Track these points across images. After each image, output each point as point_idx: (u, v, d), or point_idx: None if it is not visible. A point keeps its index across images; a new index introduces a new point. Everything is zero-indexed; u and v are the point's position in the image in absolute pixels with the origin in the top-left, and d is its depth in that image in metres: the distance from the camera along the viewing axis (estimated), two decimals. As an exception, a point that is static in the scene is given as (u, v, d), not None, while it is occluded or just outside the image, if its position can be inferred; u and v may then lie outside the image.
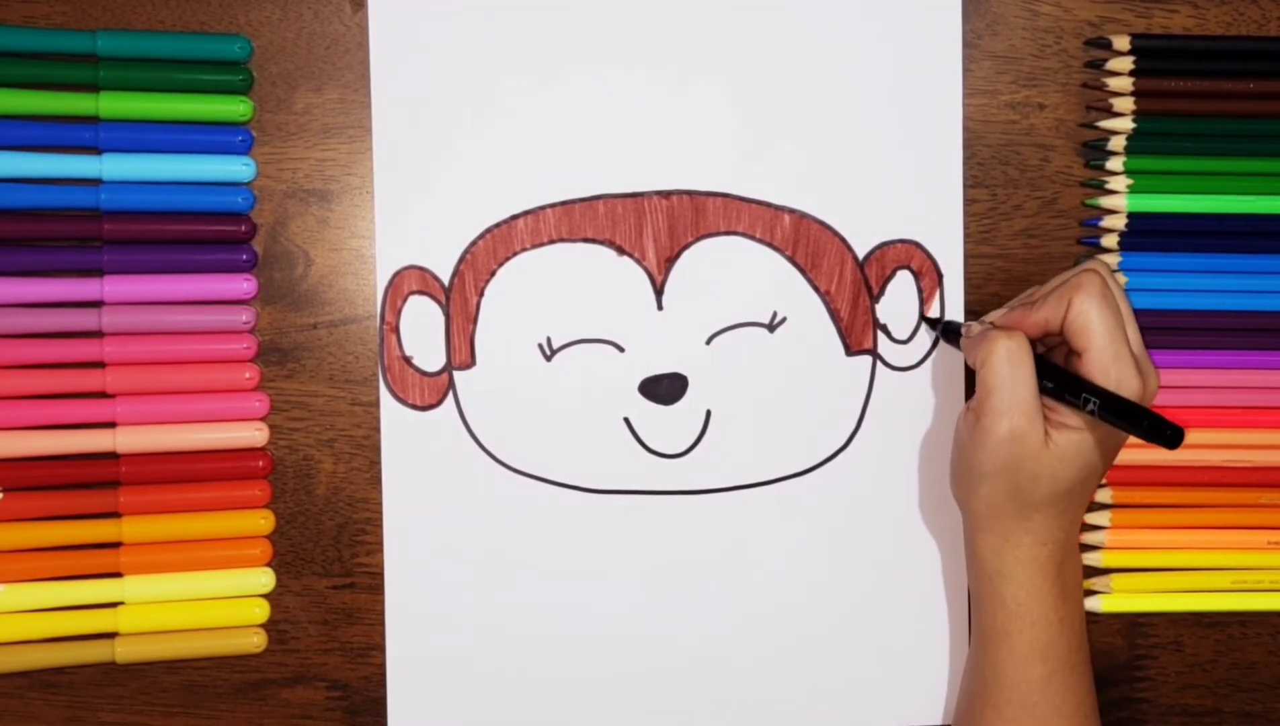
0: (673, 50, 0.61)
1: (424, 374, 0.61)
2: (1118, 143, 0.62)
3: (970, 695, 0.58)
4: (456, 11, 0.61)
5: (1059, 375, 0.54)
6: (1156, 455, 0.63)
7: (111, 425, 0.60)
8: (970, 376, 0.62)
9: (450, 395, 0.61)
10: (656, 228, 0.61)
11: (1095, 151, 0.63)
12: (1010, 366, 0.53)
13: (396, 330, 0.61)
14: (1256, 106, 0.63)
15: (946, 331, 0.61)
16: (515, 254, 0.61)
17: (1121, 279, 0.62)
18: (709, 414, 0.62)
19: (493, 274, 0.61)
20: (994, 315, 0.57)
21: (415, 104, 0.61)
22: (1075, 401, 0.53)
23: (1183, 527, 0.63)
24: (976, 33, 0.63)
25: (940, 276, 0.63)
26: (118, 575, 0.60)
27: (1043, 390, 0.54)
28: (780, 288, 0.62)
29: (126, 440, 0.59)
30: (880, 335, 0.62)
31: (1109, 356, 0.53)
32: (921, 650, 0.63)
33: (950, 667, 0.63)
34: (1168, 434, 0.51)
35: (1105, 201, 0.63)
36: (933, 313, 0.62)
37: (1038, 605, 0.55)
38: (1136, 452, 0.62)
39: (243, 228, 0.60)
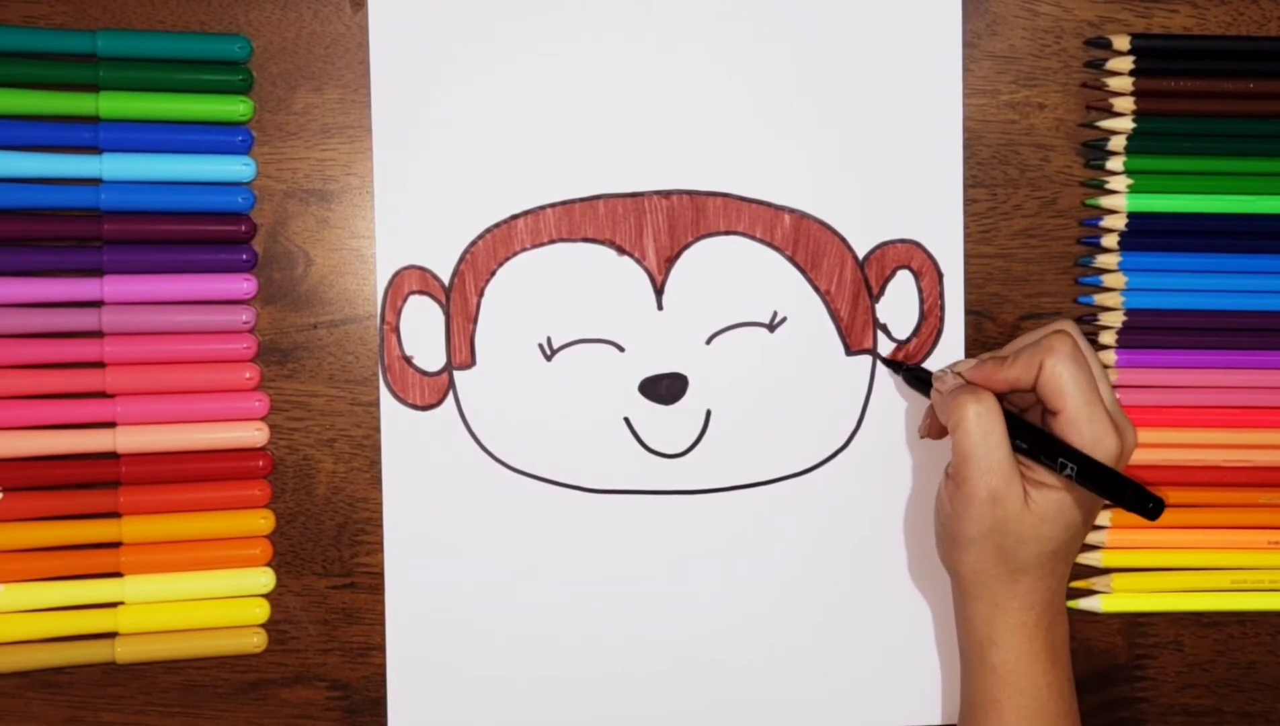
0: (673, 50, 0.61)
1: (424, 374, 0.61)
2: (1118, 143, 0.62)
3: None
4: (456, 12, 0.61)
5: (1035, 436, 0.54)
6: (1157, 455, 0.63)
7: (111, 425, 0.60)
8: (970, 376, 0.63)
9: (450, 395, 0.61)
10: (656, 227, 0.61)
11: (1095, 151, 0.63)
12: (982, 431, 0.53)
13: (396, 330, 0.61)
14: (1256, 106, 0.63)
15: (913, 377, 0.61)
16: (515, 254, 0.61)
17: (1121, 279, 0.62)
18: (709, 414, 0.62)
19: (493, 274, 0.61)
20: (964, 365, 0.57)
21: (415, 104, 0.61)
22: (1052, 464, 0.53)
23: (1183, 527, 0.63)
24: (976, 33, 0.63)
25: (940, 276, 0.63)
26: (118, 575, 0.60)
27: (1018, 450, 0.54)
28: (780, 288, 0.62)
29: (126, 440, 0.59)
30: (880, 335, 0.62)
31: (1084, 417, 0.53)
32: (921, 650, 0.63)
33: (949, 668, 0.63)
34: (1149, 506, 0.52)
35: (1105, 201, 0.63)
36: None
37: (1026, 671, 0.55)
38: (1137, 453, 0.62)
39: (243, 228, 0.60)
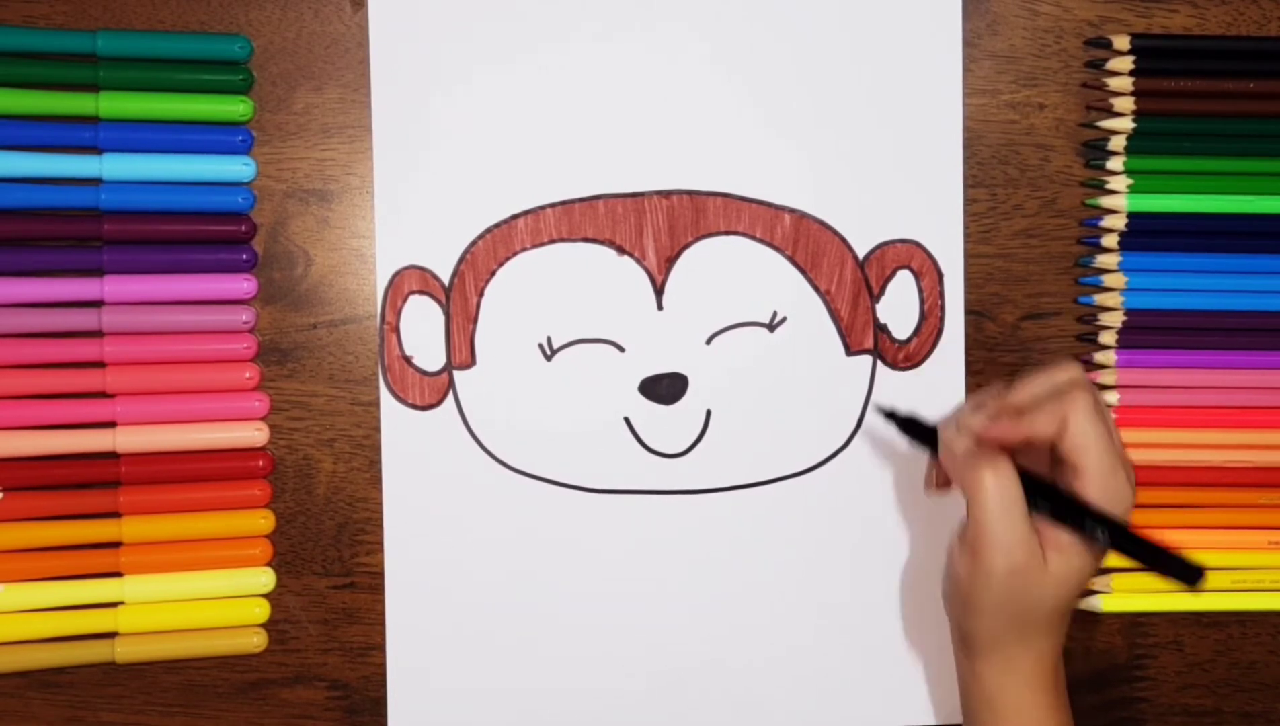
0: (673, 51, 0.61)
1: (424, 374, 0.61)
2: (1118, 142, 0.62)
3: None
4: (456, 12, 0.61)
5: (1057, 498, 0.51)
6: (1157, 455, 0.63)
7: (111, 425, 0.60)
8: (970, 374, 0.63)
9: (450, 395, 0.61)
10: (656, 227, 0.61)
11: (1095, 151, 0.63)
12: (1003, 505, 0.50)
13: (396, 330, 0.61)
14: (1256, 106, 0.63)
15: (911, 429, 0.56)
16: (515, 254, 0.61)
17: (1121, 279, 0.62)
18: (709, 414, 0.62)
19: (493, 274, 0.61)
20: (974, 419, 0.52)
21: (415, 104, 0.61)
22: (1077, 528, 0.50)
23: (1183, 527, 0.63)
24: (976, 32, 0.63)
25: (940, 276, 0.63)
26: (118, 575, 0.60)
27: (1036, 509, 0.51)
28: (780, 288, 0.62)
29: (126, 440, 0.59)
30: (880, 335, 0.62)
31: (1107, 474, 0.51)
32: (921, 649, 0.63)
33: (948, 667, 0.63)
34: (1191, 574, 0.50)
35: (1105, 201, 0.63)
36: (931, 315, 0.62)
37: (1038, 721, 0.53)
38: (1136, 452, 0.62)
39: (243, 227, 0.60)
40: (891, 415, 0.56)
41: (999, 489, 0.51)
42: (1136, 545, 0.51)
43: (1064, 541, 0.51)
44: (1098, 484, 0.51)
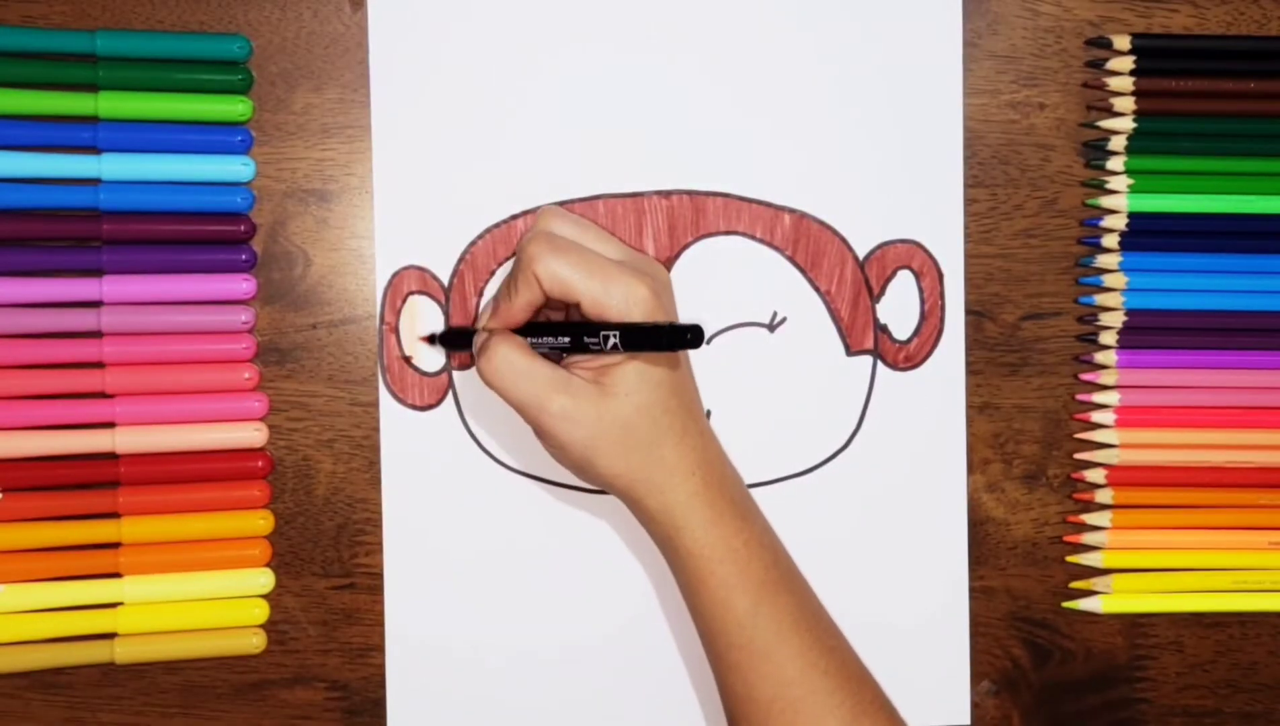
0: (673, 51, 0.61)
1: (423, 374, 0.61)
2: (1118, 142, 0.62)
3: (704, 652, 0.56)
4: (456, 12, 0.61)
5: (568, 330, 0.53)
6: (1157, 455, 0.63)
7: (111, 425, 0.60)
8: (971, 375, 0.63)
9: (450, 395, 0.61)
10: (656, 228, 0.61)
11: (1095, 151, 0.63)
12: (513, 374, 0.53)
13: (396, 330, 0.61)
14: (1256, 106, 0.63)
15: (450, 341, 0.60)
16: (515, 254, 0.61)
17: (1122, 279, 0.62)
18: (709, 414, 0.62)
19: (492, 274, 0.61)
20: (483, 320, 0.56)
21: (415, 104, 0.61)
22: (598, 345, 0.52)
23: (1183, 527, 0.63)
24: (976, 32, 0.63)
25: (941, 276, 0.63)
26: (117, 575, 0.60)
27: (564, 350, 0.53)
28: (780, 288, 0.62)
29: (126, 440, 0.59)
30: (880, 335, 0.62)
31: (601, 291, 0.52)
32: (921, 649, 0.63)
33: (950, 665, 0.63)
34: (688, 337, 0.51)
35: (1105, 201, 0.63)
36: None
37: (718, 538, 0.53)
38: (1136, 452, 0.62)
39: (242, 228, 0.60)
40: (433, 338, 0.60)
41: (496, 366, 0.53)
42: (640, 336, 0.52)
43: (605, 361, 0.53)
44: (600, 303, 0.52)
